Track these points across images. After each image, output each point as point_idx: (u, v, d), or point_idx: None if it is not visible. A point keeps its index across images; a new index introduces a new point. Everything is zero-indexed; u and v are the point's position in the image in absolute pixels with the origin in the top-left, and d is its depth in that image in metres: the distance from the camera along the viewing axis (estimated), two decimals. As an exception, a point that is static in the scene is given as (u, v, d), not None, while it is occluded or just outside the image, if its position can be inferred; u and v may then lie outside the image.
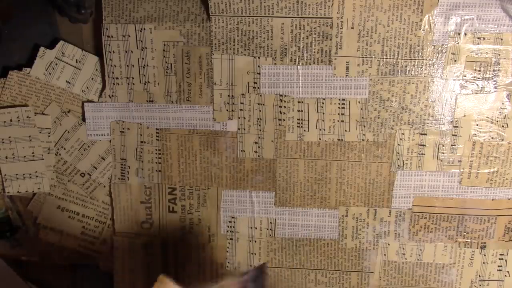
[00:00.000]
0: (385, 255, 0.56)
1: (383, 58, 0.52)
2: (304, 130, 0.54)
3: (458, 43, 0.51)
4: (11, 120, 0.56)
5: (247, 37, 0.53)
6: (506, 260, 0.55)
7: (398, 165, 0.54)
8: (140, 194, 0.58)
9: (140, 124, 0.56)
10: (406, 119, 0.53)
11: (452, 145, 0.53)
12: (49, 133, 0.57)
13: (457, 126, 0.53)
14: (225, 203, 0.57)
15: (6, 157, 0.57)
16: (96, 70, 0.56)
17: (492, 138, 0.53)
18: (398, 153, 0.54)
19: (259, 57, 0.53)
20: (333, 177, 0.55)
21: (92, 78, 0.56)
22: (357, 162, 0.55)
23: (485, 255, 0.55)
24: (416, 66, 0.52)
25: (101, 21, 0.54)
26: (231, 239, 0.58)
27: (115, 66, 0.55)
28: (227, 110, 0.55)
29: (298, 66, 0.53)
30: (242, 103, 0.55)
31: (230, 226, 0.58)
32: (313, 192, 0.56)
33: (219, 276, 0.49)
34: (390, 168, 0.54)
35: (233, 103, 0.55)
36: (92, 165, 0.58)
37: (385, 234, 0.56)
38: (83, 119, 0.57)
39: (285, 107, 0.54)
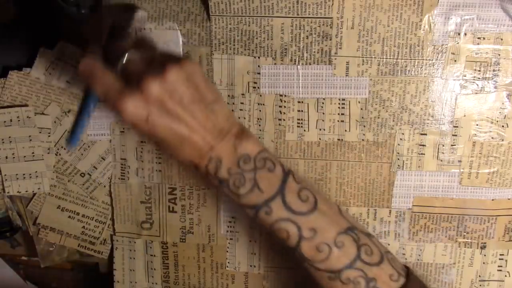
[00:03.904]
0: (385, 255, 0.56)
1: (383, 58, 0.52)
2: (304, 130, 0.54)
3: (458, 43, 0.51)
4: (11, 120, 0.56)
5: (247, 37, 0.53)
6: (506, 260, 0.55)
7: (398, 165, 0.54)
8: (140, 194, 0.58)
9: (140, 124, 0.56)
10: (406, 119, 0.53)
11: (452, 145, 0.53)
12: (49, 133, 0.57)
13: (457, 126, 0.53)
14: (225, 203, 0.57)
15: (6, 157, 0.57)
16: (96, 70, 0.56)
17: (492, 138, 0.53)
18: (398, 153, 0.54)
19: (259, 57, 0.53)
20: (333, 177, 0.55)
21: (92, 78, 0.56)
22: (357, 162, 0.55)
23: (485, 255, 0.55)
24: (416, 66, 0.52)
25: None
26: (231, 239, 0.58)
27: (115, 66, 0.55)
28: (227, 110, 0.55)
29: (298, 66, 0.53)
30: (242, 103, 0.55)
31: (230, 226, 0.58)
32: (313, 192, 0.56)
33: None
34: (390, 168, 0.54)
35: (233, 103, 0.55)
36: (92, 165, 0.58)
37: (385, 234, 0.56)
38: (83, 119, 0.57)
39: (285, 107, 0.54)
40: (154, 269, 0.60)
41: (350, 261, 0.41)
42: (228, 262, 0.59)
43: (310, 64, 0.53)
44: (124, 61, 0.40)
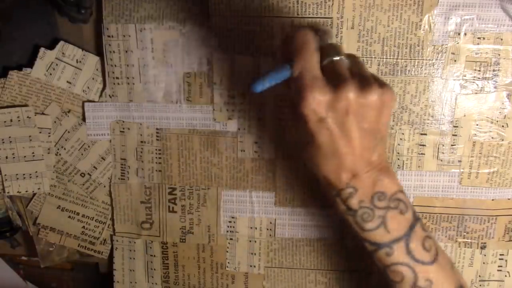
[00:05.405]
0: (385, 255, 0.56)
1: (383, 58, 0.52)
2: (304, 130, 0.54)
3: (458, 43, 0.51)
4: (11, 120, 0.56)
5: (247, 37, 0.53)
6: (506, 260, 0.55)
7: (398, 165, 0.54)
8: (140, 194, 0.58)
9: (140, 124, 0.56)
10: (406, 119, 0.53)
11: (452, 145, 0.53)
12: (49, 133, 0.57)
13: (457, 126, 0.53)
14: (225, 203, 0.57)
15: (6, 157, 0.57)
16: (97, 70, 0.56)
17: (492, 138, 0.53)
18: (398, 153, 0.54)
19: (259, 57, 0.53)
20: (333, 177, 0.55)
21: (93, 78, 0.56)
22: (357, 162, 0.55)
23: (485, 255, 0.55)
24: (416, 66, 0.52)
25: (101, 21, 0.54)
26: (231, 239, 0.58)
27: (115, 66, 0.55)
28: (227, 110, 0.55)
29: (298, 66, 0.53)
30: (242, 103, 0.55)
31: (230, 226, 0.58)
32: (313, 192, 0.56)
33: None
34: (390, 168, 0.54)
35: (233, 103, 0.55)
36: (92, 165, 0.58)
37: (385, 234, 0.56)
38: (83, 119, 0.57)
39: (285, 107, 0.54)
40: (154, 269, 0.60)
41: None
42: (228, 262, 0.59)
43: (310, 64, 0.53)
44: (334, 58, 0.39)
